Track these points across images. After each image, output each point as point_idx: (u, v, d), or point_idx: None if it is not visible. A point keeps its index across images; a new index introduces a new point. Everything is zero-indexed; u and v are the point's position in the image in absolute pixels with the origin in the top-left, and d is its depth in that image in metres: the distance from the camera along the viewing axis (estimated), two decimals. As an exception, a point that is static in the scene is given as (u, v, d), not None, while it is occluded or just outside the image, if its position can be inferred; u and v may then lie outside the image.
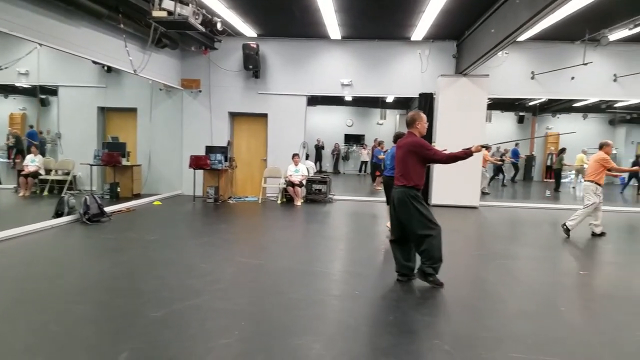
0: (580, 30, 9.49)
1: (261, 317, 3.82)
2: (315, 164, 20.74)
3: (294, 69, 11.13)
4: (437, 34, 10.34)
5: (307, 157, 11.95)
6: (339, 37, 10.74)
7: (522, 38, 10.17)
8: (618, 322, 3.93)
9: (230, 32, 10.44)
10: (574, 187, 17.00)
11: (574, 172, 17.25)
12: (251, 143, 11.69)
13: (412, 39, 10.57)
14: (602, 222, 7.54)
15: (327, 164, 21.22)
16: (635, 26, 8.73)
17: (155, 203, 9.99)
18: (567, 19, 8.66)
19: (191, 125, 11.31)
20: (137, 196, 10.68)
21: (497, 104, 17.28)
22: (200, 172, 10.58)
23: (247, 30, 10.45)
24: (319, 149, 20.61)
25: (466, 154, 4.56)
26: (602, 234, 7.54)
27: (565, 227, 7.45)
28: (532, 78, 10.65)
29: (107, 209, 8.20)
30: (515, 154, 18.05)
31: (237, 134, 11.75)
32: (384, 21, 9.46)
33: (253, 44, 10.54)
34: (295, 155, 10.63)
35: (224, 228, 7.81)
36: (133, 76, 9.29)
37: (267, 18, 9.72)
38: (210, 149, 10.54)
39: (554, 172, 16.50)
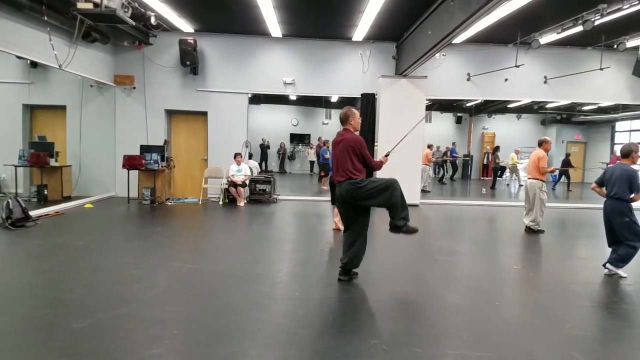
0: (513, 34, 9.96)
1: (194, 324, 3.62)
2: (261, 163, 20.48)
3: (234, 67, 10.87)
4: (378, 35, 10.47)
5: (250, 157, 11.70)
6: (280, 35, 10.60)
7: (458, 40, 10.52)
8: (550, 316, 4.08)
9: (165, 26, 10.02)
10: (508, 184, 17.89)
11: (508, 170, 18.15)
12: (190, 142, 11.28)
13: (353, 39, 10.64)
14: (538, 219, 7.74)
15: (273, 164, 20.98)
16: (563, 30, 9.25)
17: (86, 206, 9.38)
18: (500, 23, 9.03)
19: (125, 124, 10.71)
20: (68, 199, 9.99)
21: (437, 105, 17.83)
22: (135, 173, 10.04)
23: (184, 25, 10.07)
24: (264, 148, 20.33)
25: (381, 164, 4.91)
26: (540, 231, 7.74)
27: (528, 228, 7.69)
28: (468, 80, 11.06)
29: (33, 213, 7.61)
30: (453, 152, 18.72)
31: (175, 133, 11.29)
32: (325, 20, 9.45)
33: (190, 40, 10.17)
34: (237, 155, 10.37)
35: (158, 231, 7.43)
36: (62, 72, 8.67)
37: (204, 13, 9.41)
38: (145, 149, 10.04)
39: (492, 170, 17.24)
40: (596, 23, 8.39)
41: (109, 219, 8.35)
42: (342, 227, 7.51)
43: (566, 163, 17.29)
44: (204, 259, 5.76)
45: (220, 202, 10.40)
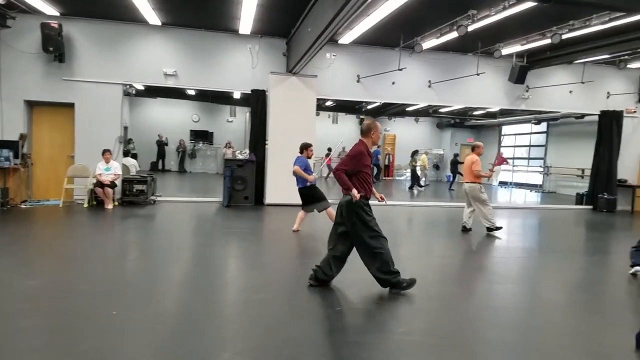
0: (397, 37, 10.06)
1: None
2: (158, 161, 19.28)
3: (107, 55, 9.85)
4: (266, 30, 10.09)
5: (127, 154, 10.74)
6: (160, 23, 9.79)
7: (346, 41, 10.45)
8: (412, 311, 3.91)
9: (24, 8, 8.82)
10: (428, 184, 18.38)
11: (408, 171, 18.73)
12: (55, 137, 10.04)
13: (240, 32, 10.12)
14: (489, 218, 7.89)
15: (172, 162, 19.82)
16: (442, 35, 9.48)
17: None
18: (383, 25, 9.04)
19: (-26, 115, 9.29)
20: None
21: (341, 107, 17.91)
22: (-17, 172, 8.71)
23: (45, 7, 8.92)
24: (161, 145, 19.13)
25: (348, 188, 4.33)
26: (469, 230, 8.00)
27: (489, 229, 7.84)
28: (358, 81, 11.02)
29: None
30: (377, 154, 18.85)
31: (37, 127, 9.98)
32: (205, 9, 8.86)
33: (54, 24, 9.04)
34: (105, 152, 9.36)
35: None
36: None
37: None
38: (-5, 144, 8.76)
39: (411, 172, 17.59)
40: (470, 29, 8.66)
41: None
42: (299, 228, 7.33)
43: (454, 163, 18.11)
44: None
45: (86, 205, 9.35)
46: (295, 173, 7.15)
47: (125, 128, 17.79)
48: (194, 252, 6.29)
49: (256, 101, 10.50)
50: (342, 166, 4.38)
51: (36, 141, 9.96)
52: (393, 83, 11.10)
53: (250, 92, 10.62)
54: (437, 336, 3.61)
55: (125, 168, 10.51)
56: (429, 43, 10.02)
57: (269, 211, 9.86)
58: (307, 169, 7.20)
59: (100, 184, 9.18)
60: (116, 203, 9.58)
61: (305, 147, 7.39)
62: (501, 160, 10.68)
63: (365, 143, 4.50)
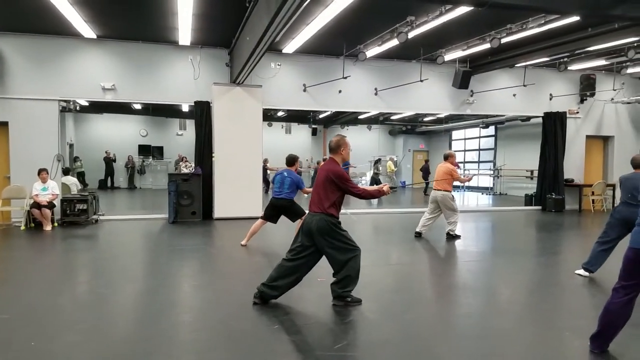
0: (341, 46, 10.15)
1: None
2: (107, 178, 18.65)
3: (42, 70, 9.46)
4: (206, 41, 9.97)
5: (67, 173, 10.27)
6: (94, 36, 9.49)
7: (290, 50, 10.46)
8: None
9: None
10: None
11: (365, 179, 18.91)
12: (-12, 158, 9.53)
13: (180, 43, 9.94)
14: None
15: (121, 179, 19.17)
16: (384, 42, 9.62)
17: None
18: (325, 33, 9.10)
19: None
20: None
21: (293, 117, 17.92)
22: None
23: (-30, 21, 8.49)
24: (109, 162, 18.49)
25: (380, 192, 4.61)
26: (419, 234, 8.16)
27: (449, 234, 8.09)
28: (305, 90, 11.04)
29: None
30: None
31: (-32, 147, 9.45)
32: (140, 21, 8.69)
33: (-19, 39, 8.62)
34: (42, 171, 8.91)
35: None
36: None
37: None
38: None
39: (372, 179, 17.66)
40: (411, 36, 8.82)
41: None
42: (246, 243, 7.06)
43: (426, 169, 18.36)
44: None
45: (22, 227, 8.85)
46: (304, 192, 7.05)
47: (71, 145, 17.18)
48: (131, 273, 6.01)
49: (200, 113, 10.32)
50: (355, 188, 4.46)
51: (-34, 163, 9.40)
52: (340, 91, 11.17)
53: (193, 104, 10.42)
54: (378, 350, 3.51)
55: (65, 187, 10.05)
56: (372, 51, 10.14)
57: (217, 225, 9.64)
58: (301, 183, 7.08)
59: (37, 205, 8.72)
60: (56, 224, 9.15)
61: (295, 160, 7.22)
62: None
63: (336, 160, 4.45)
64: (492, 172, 18.72)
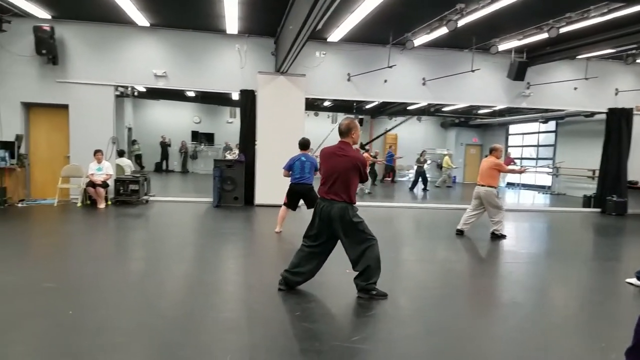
0: (388, 34, 9.93)
1: None
2: (162, 161, 19.50)
3: (99, 57, 9.98)
4: (253, 29, 10.09)
5: (122, 154, 10.82)
6: (147, 24, 9.87)
7: (335, 39, 10.36)
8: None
9: (17, 12, 8.99)
10: (439, 186, 18.05)
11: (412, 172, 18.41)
12: (52, 138, 10.21)
13: (228, 32, 10.12)
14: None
15: (175, 163, 20.02)
16: (432, 30, 9.31)
17: None
18: (372, 21, 8.92)
19: (-28, 117, 9.51)
20: None
21: (339, 107, 17.80)
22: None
23: (37, 10, 9.08)
24: (164, 146, 19.38)
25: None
26: (461, 232, 7.86)
27: (494, 234, 7.71)
28: (349, 80, 10.91)
29: None
30: (391, 156, 18.52)
31: (35, 128, 10.18)
32: (188, 9, 8.88)
33: (46, 27, 9.21)
34: (97, 152, 9.47)
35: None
36: None
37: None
38: (-10, 145, 8.91)
39: (416, 172, 17.19)
40: (461, 24, 8.48)
41: None
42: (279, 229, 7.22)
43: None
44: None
45: (79, 204, 9.47)
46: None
47: (130, 129, 18.09)
48: (170, 252, 6.27)
49: (245, 101, 10.51)
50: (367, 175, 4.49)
51: (33, 142, 10.15)
52: (385, 81, 10.94)
53: (239, 92, 10.62)
54: (395, 345, 3.44)
55: (119, 168, 10.63)
56: (420, 39, 9.84)
57: (257, 212, 9.84)
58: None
59: (92, 184, 9.29)
60: (109, 202, 9.68)
61: (309, 143, 7.23)
62: (508, 161, 10.58)
63: (349, 143, 4.40)
64: (550, 170, 17.69)
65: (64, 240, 6.85)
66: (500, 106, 13.85)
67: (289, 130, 10.12)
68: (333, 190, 4.28)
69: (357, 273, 4.38)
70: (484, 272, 6.08)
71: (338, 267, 4.87)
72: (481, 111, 18.21)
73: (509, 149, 19.82)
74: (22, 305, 3.90)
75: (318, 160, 4.76)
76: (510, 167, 7.95)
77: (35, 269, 5.05)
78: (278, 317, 3.98)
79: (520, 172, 9.75)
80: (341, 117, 20.02)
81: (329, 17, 8.12)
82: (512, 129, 20.76)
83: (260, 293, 4.56)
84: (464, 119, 20.41)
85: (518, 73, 11.08)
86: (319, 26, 7.37)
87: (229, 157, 10.59)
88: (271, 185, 10.25)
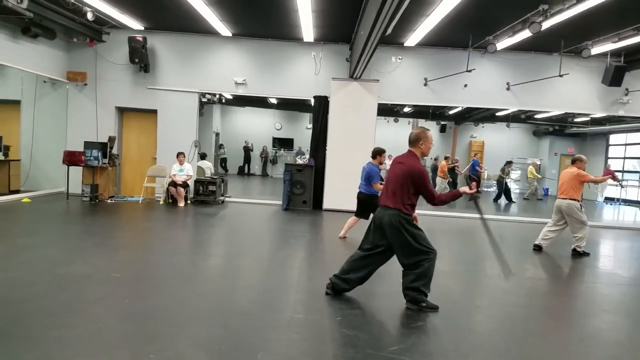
0: (465, 37, 9.52)
1: None
2: (244, 165, 20.46)
3: (185, 65, 10.76)
4: (328, 37, 10.21)
5: (203, 157, 11.51)
6: (230, 34, 10.44)
7: (411, 43, 10.15)
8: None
9: (114, 23, 10.02)
10: (527, 198, 16.90)
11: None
12: (142, 140, 11.20)
13: (304, 40, 10.37)
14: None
15: (256, 167, 20.91)
16: (515, 33, 8.76)
17: (23, 200, 9.39)
18: (449, 24, 8.65)
19: (76, 120, 10.73)
20: (16, 192, 10.11)
21: (420, 112, 17.33)
22: (79, 169, 10.00)
23: (131, 22, 10.03)
24: (247, 151, 20.33)
25: (454, 196, 4.32)
26: (539, 248, 7.31)
27: (575, 250, 7.12)
28: (425, 85, 10.61)
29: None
30: (475, 165, 17.20)
31: (127, 131, 11.23)
32: (266, 19, 9.24)
33: (139, 37, 10.11)
34: (179, 154, 10.21)
35: (71, 228, 7.33)
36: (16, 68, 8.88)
37: (149, 10, 9.33)
38: (88, 145, 9.97)
39: (498, 183, 16.18)
40: (546, 26, 7.91)
41: (34, 215, 8.30)
42: (344, 235, 7.33)
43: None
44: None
45: (161, 202, 10.24)
46: (376, 188, 6.76)
47: (217, 134, 19.25)
48: (236, 250, 6.58)
49: (318, 107, 10.67)
50: (432, 194, 4.15)
51: (125, 143, 11.20)
52: (465, 86, 10.49)
53: (312, 98, 10.83)
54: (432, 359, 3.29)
55: (200, 170, 11.33)
56: (502, 42, 9.31)
57: (325, 216, 9.91)
58: (377, 177, 6.86)
59: (174, 184, 10.01)
60: (189, 202, 10.35)
61: (379, 153, 6.97)
62: (608, 173, 9.62)
63: (416, 154, 4.27)
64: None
65: (140, 235, 7.42)
66: (592, 113, 12.58)
67: (360, 135, 10.10)
68: (388, 197, 4.22)
69: (405, 283, 4.23)
70: (554, 291, 5.53)
71: (389, 278, 4.75)
72: (578, 119, 16.66)
73: (609, 161, 17.92)
74: (91, 292, 4.27)
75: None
76: (590, 177, 7.14)
77: (110, 260, 5.49)
78: (318, 320, 3.95)
79: (612, 176, 8.70)
80: (422, 123, 19.56)
81: (402, 21, 8.08)
82: (613, 139, 18.73)
83: (306, 295, 4.58)
84: (558, 127, 18.83)
85: (614, 78, 10.08)
86: (388, 31, 7.25)
87: (299, 161, 10.79)
88: (340, 190, 10.29)
